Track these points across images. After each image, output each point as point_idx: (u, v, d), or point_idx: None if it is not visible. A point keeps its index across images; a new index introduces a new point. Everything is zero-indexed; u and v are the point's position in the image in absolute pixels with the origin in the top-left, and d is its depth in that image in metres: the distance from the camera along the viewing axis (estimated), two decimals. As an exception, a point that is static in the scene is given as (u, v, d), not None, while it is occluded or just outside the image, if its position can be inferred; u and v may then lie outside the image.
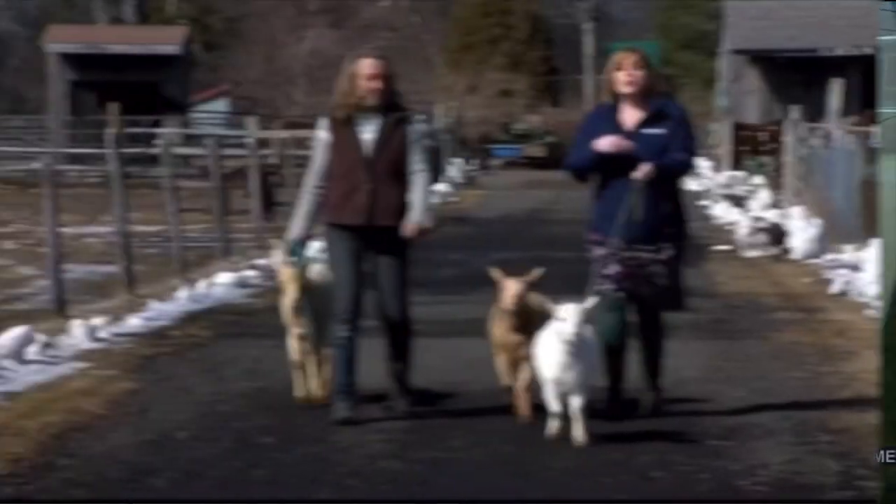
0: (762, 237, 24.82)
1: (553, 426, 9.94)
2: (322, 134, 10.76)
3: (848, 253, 22.95)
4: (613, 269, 10.52)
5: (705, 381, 12.42)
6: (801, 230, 24.60)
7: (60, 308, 16.94)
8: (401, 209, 10.59)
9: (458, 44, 70.62)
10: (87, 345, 14.72)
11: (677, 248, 10.69)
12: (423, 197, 10.63)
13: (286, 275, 10.93)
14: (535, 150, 61.83)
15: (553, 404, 9.91)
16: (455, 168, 50.02)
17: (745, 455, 9.87)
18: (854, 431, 10.62)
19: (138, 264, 20.26)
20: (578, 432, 9.78)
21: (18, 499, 8.80)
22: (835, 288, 18.97)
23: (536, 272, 10.45)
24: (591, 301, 9.87)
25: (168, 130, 43.90)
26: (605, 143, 10.32)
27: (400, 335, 10.81)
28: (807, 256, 23.45)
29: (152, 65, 54.87)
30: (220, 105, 68.41)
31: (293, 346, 11.11)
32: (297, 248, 10.77)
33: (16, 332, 14.05)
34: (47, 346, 14.21)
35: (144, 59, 54.89)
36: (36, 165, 23.57)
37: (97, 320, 15.61)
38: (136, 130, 48.53)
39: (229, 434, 10.20)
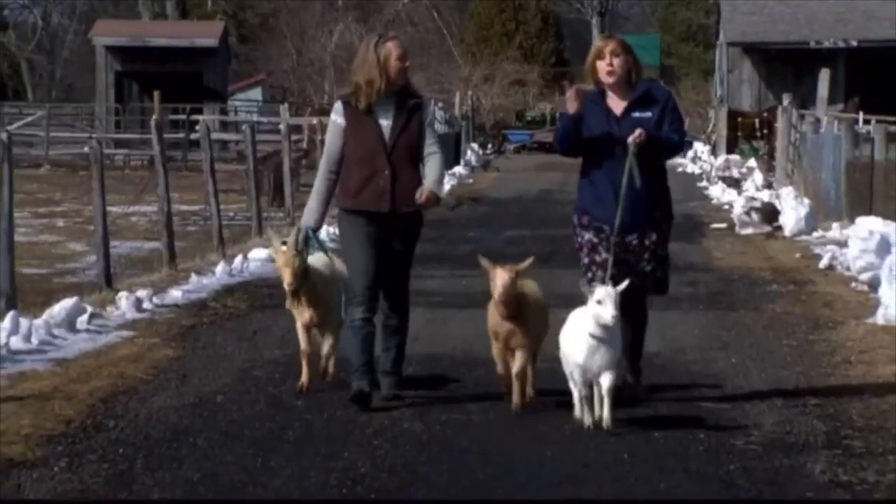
0: (756, 216, 24.83)
1: (587, 413, 9.12)
2: (337, 119, 10.01)
3: (834, 230, 22.96)
4: (603, 255, 9.84)
5: (703, 349, 12.43)
6: (792, 209, 24.57)
7: (108, 281, 16.97)
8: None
9: (474, 37, 70.55)
10: (133, 315, 14.75)
11: (663, 232, 10.05)
12: (438, 170, 10.01)
13: (280, 260, 10.24)
14: (545, 136, 61.65)
15: (582, 388, 9.10)
16: (472, 152, 49.92)
17: (740, 416, 9.88)
18: (839, 395, 10.62)
19: (179, 241, 20.30)
20: (606, 416, 9.01)
21: (70, 455, 8.84)
22: (823, 263, 18.95)
23: (527, 261, 9.66)
24: (623, 285, 9.04)
25: (206, 117, 43.84)
26: (570, 103, 9.75)
27: (399, 313, 10.18)
28: (797, 234, 23.46)
29: (192, 57, 54.79)
30: (255, 94, 68.46)
31: (300, 334, 10.41)
32: (311, 235, 10.15)
33: (67, 303, 14.07)
34: (96, 316, 14.24)
35: (185, 51, 54.83)
36: (85, 150, 23.60)
37: (142, 292, 15.62)
38: (177, 117, 48.64)
39: (263, 397, 10.22)
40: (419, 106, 10.03)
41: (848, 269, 18.00)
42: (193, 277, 17.53)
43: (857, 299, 15.60)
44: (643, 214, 9.82)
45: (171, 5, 66.25)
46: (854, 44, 55.00)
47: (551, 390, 10.00)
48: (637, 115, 9.81)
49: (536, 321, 9.67)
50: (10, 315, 13.25)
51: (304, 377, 10.30)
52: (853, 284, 16.78)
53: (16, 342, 12.69)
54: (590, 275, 9.71)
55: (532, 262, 9.63)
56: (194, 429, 9.50)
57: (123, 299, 15.22)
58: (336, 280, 10.48)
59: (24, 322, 13.10)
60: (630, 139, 9.59)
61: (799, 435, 9.25)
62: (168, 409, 10.10)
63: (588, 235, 9.97)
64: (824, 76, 42.18)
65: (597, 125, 9.85)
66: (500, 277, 9.38)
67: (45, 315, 13.66)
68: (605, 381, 8.91)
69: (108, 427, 9.67)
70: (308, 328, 10.34)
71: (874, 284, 15.71)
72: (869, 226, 19.08)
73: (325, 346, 10.47)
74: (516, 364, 9.58)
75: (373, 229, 9.89)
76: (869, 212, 22.00)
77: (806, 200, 24.92)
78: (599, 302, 8.86)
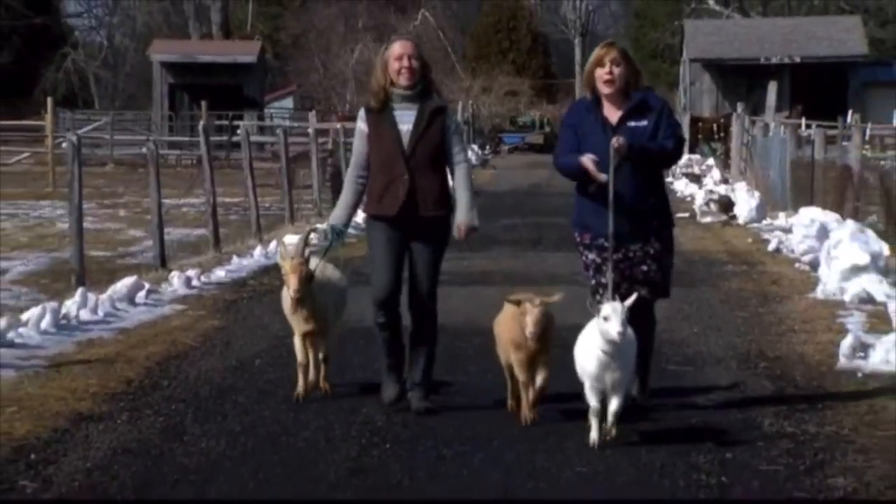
0: (714, 207, 24.87)
1: (593, 426, 7.74)
2: (361, 125, 8.68)
3: (781, 219, 22.95)
4: (609, 275, 8.20)
5: (668, 320, 12.37)
6: (745, 201, 24.60)
7: (162, 262, 16.96)
8: (440, 199, 8.62)
9: (474, 54, 70.40)
10: (183, 291, 14.75)
11: (665, 239, 8.50)
12: (469, 194, 8.62)
13: (287, 266, 8.77)
14: (535, 138, 61.68)
15: (592, 400, 7.73)
16: (472, 152, 49.92)
17: (701, 378, 9.88)
18: (786, 359, 10.61)
19: (223, 228, 20.30)
20: (609, 427, 7.78)
21: (131, 409, 8.83)
22: (771, 246, 18.94)
23: (556, 296, 8.03)
24: (631, 300, 7.66)
25: (246, 123, 43.81)
26: (591, 165, 8.16)
27: (426, 323, 8.74)
28: (749, 222, 23.49)
29: (234, 71, 54.83)
30: (287, 102, 68.38)
31: (298, 345, 8.99)
32: (335, 233, 8.79)
33: (127, 281, 14.07)
34: (152, 292, 14.24)
35: (228, 66, 54.86)
36: (143, 150, 23.57)
37: (191, 272, 15.62)
38: (221, 123, 48.59)
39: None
40: (441, 110, 8.63)
41: (792, 251, 17.99)
42: (235, 259, 17.54)
43: (800, 277, 15.59)
44: (642, 224, 8.33)
45: (216, 27, 66.20)
46: (798, 60, 55.08)
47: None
48: (633, 124, 8.30)
49: (550, 335, 8.09)
50: (79, 291, 13.27)
51: (301, 387, 8.91)
52: (797, 265, 16.77)
53: (84, 314, 12.70)
54: (597, 297, 8.09)
55: (561, 297, 8.03)
56: (236, 388, 9.50)
57: (175, 278, 15.22)
58: (333, 288, 9.16)
59: (91, 297, 13.12)
60: (612, 143, 8.12)
61: (751, 393, 9.25)
62: (213, 371, 10.10)
63: (592, 256, 8.49)
64: (772, 87, 42.29)
65: (592, 135, 8.32)
66: (531, 314, 7.87)
67: (109, 291, 13.67)
68: (614, 404, 7.71)
69: (162, 386, 9.68)
70: (305, 339, 8.92)
71: (814, 265, 15.72)
72: (810, 215, 19.12)
73: (322, 350, 9.05)
74: (540, 379, 8.11)
75: (395, 234, 8.60)
76: (810, 203, 22.05)
77: (757, 193, 24.94)
78: (606, 318, 7.49)
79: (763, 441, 7.97)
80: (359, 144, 8.71)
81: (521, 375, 8.19)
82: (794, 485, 7.03)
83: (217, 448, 7.84)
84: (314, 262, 8.89)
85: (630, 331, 7.65)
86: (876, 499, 6.81)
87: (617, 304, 7.56)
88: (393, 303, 8.66)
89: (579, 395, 7.91)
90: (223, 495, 6.90)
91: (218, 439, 8.02)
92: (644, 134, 8.26)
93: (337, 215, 8.81)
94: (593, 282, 8.49)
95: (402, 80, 8.50)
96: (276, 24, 74.13)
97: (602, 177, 8.14)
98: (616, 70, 8.25)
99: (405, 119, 8.55)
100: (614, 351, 7.56)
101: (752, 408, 8.78)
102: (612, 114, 8.35)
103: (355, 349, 10.62)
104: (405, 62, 8.49)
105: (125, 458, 7.66)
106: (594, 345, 7.63)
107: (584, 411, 7.85)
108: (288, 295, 8.86)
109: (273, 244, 18.45)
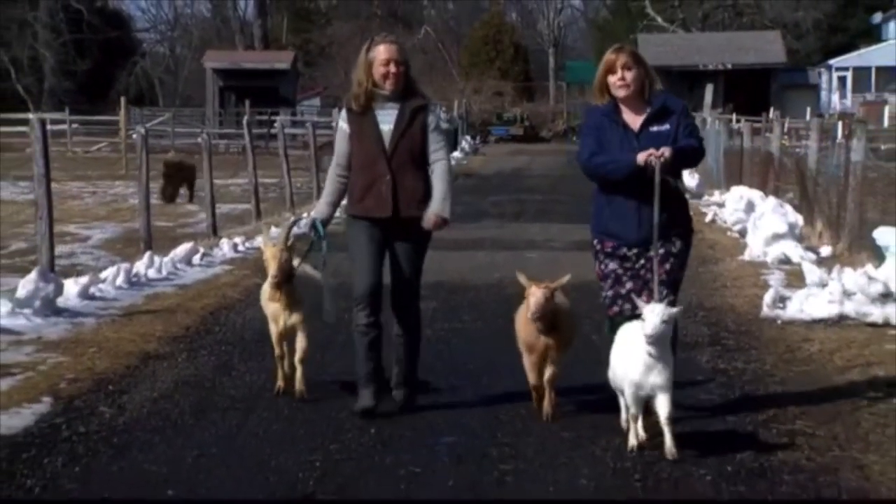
0: (661, 185, 24.79)
1: (633, 434, 6.19)
2: (343, 125, 7.02)
3: (716, 195, 22.95)
4: (629, 286, 6.59)
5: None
6: (687, 181, 24.54)
7: (214, 231, 16.99)
8: (423, 198, 6.90)
9: (467, 61, 69.94)
10: (231, 255, 14.74)
11: (685, 239, 6.74)
12: (445, 187, 6.89)
13: (269, 252, 7.28)
14: (517, 130, 61.38)
15: (633, 408, 6.17)
16: (466, 142, 49.77)
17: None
18: (719, 309, 10.62)
19: (262, 203, 20.28)
20: (669, 445, 5.99)
21: (188, 350, 8.83)
22: (708, 218, 18.92)
23: (563, 279, 6.65)
24: (677, 308, 6.23)
25: (281, 118, 43.67)
26: (644, 156, 6.43)
27: (409, 322, 7.10)
28: (691, 198, 23.39)
29: (271, 75, 54.67)
30: (315, 101, 68.13)
31: (274, 338, 7.41)
32: (318, 226, 7.10)
33: (186, 246, 14.08)
34: (205, 255, 14.24)
35: (267, 72, 54.73)
36: (198, 140, 23.54)
37: (237, 239, 15.62)
38: (261, 118, 48.45)
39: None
40: (423, 108, 6.94)
41: (725, 222, 18.00)
42: (273, 229, 17.49)
43: (731, 243, 15.58)
44: (666, 225, 6.55)
45: (257, 40, 66.12)
46: (730, 66, 55.04)
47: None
48: (655, 129, 6.62)
49: (567, 332, 6.79)
50: (147, 254, 13.29)
51: (280, 381, 7.47)
52: (728, 233, 16.78)
53: (151, 273, 12.71)
54: (616, 308, 6.61)
55: (567, 279, 6.68)
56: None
57: (224, 243, 15.22)
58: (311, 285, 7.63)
59: (156, 259, 13.11)
60: (653, 160, 6.42)
61: (691, 337, 9.23)
62: (255, 319, 10.05)
63: (613, 265, 6.65)
64: (709, 89, 42.21)
65: (614, 141, 6.63)
66: (534, 295, 6.59)
67: (171, 254, 13.66)
68: (663, 409, 6.02)
69: (214, 331, 9.68)
70: (281, 334, 7.36)
71: (743, 233, 15.73)
72: (739, 192, 19.10)
73: (299, 352, 7.31)
74: (548, 373, 6.74)
75: (377, 234, 6.95)
76: (739, 182, 22.06)
77: (697, 175, 24.87)
78: (645, 318, 6.05)
79: (701, 376, 7.98)
80: (341, 143, 7.01)
81: (531, 376, 6.77)
82: (727, 411, 7.03)
83: (259, 382, 7.83)
84: (295, 262, 7.36)
85: (670, 335, 6.21)
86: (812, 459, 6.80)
87: (660, 307, 6.10)
88: (376, 305, 6.95)
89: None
90: (263, 421, 6.87)
91: (259, 374, 8.01)
92: (668, 138, 6.57)
93: (320, 210, 7.15)
94: (611, 293, 6.64)
95: (388, 86, 6.86)
96: (306, 38, 73.79)
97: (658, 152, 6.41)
98: (629, 74, 6.60)
99: (387, 118, 6.89)
100: (657, 352, 6.00)
101: (693, 349, 8.78)
102: (633, 119, 6.65)
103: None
104: (392, 68, 6.85)
105: (184, 389, 7.66)
106: (635, 350, 6.09)
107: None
108: (267, 285, 7.36)
109: (305, 216, 18.42)
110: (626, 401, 6.27)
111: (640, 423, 6.18)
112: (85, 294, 11.03)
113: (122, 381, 7.88)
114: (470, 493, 5.60)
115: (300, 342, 7.29)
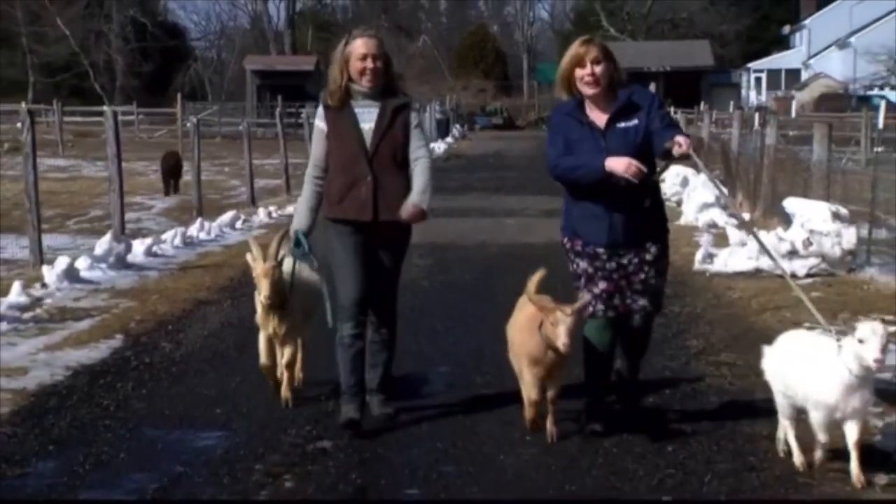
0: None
1: (820, 455, 4.51)
2: (319, 123, 5.36)
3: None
4: (601, 286, 5.09)
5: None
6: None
7: (252, 201, 16.93)
8: (404, 200, 5.20)
9: (457, 64, 69.58)
10: (266, 221, 14.71)
11: (661, 245, 5.16)
12: (425, 181, 5.20)
13: (259, 270, 5.53)
14: (497, 120, 61.08)
15: (822, 436, 4.43)
16: (456, 129, 49.64)
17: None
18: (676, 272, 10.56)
19: (292, 179, 20.19)
20: (856, 472, 4.35)
21: (233, 298, 8.79)
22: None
23: (580, 303, 4.84)
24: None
25: (307, 110, 43.48)
26: (621, 167, 4.87)
27: (386, 327, 5.39)
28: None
29: (299, 76, 54.42)
30: (335, 97, 67.85)
31: (262, 348, 5.65)
32: (302, 237, 5.31)
33: (229, 214, 14.05)
34: (246, 221, 14.20)
35: (295, 72, 54.49)
36: (240, 128, 23.40)
37: (271, 208, 15.58)
38: (291, 110, 48.20)
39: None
40: (404, 106, 5.30)
41: (665, 193, 17.88)
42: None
43: (670, 212, 15.47)
44: (637, 229, 5.07)
45: (287, 47, 65.91)
46: (668, 69, 54.85)
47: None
48: (622, 125, 5.02)
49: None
50: (198, 220, 13.25)
51: (285, 391, 5.70)
52: (667, 202, 16.68)
53: (202, 235, 12.67)
54: (590, 309, 5.06)
55: (588, 301, 5.01)
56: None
57: (261, 212, 15.18)
58: (307, 291, 5.82)
59: (206, 224, 13.08)
60: (675, 151, 4.92)
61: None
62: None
63: (583, 264, 5.15)
64: (652, 87, 41.89)
65: (581, 141, 5.05)
66: (564, 323, 4.71)
67: (218, 220, 13.64)
68: (853, 433, 4.36)
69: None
70: (271, 341, 5.65)
71: (679, 203, 15.69)
72: (676, 170, 19.01)
73: (286, 356, 5.65)
74: (553, 391, 5.00)
75: (359, 239, 5.26)
76: (677, 163, 21.94)
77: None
78: (862, 341, 4.22)
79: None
80: (317, 144, 5.36)
81: (531, 392, 4.98)
82: (666, 346, 7.02)
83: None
84: (288, 264, 5.68)
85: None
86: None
87: (877, 325, 4.26)
88: (364, 313, 5.31)
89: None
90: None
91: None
92: (637, 134, 5.01)
93: (300, 221, 5.35)
94: (586, 294, 5.06)
95: (365, 83, 5.25)
96: (327, 45, 73.26)
97: (636, 169, 4.89)
98: (598, 69, 5.02)
99: (367, 117, 5.26)
100: (864, 376, 4.29)
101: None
102: (598, 116, 5.07)
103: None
104: (369, 63, 5.26)
105: (229, 329, 7.62)
106: (837, 371, 4.31)
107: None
108: (258, 299, 5.64)
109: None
110: (814, 425, 4.43)
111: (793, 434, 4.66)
112: (149, 252, 11.00)
113: (179, 321, 7.85)
114: (460, 412, 5.59)
115: (287, 350, 5.64)
